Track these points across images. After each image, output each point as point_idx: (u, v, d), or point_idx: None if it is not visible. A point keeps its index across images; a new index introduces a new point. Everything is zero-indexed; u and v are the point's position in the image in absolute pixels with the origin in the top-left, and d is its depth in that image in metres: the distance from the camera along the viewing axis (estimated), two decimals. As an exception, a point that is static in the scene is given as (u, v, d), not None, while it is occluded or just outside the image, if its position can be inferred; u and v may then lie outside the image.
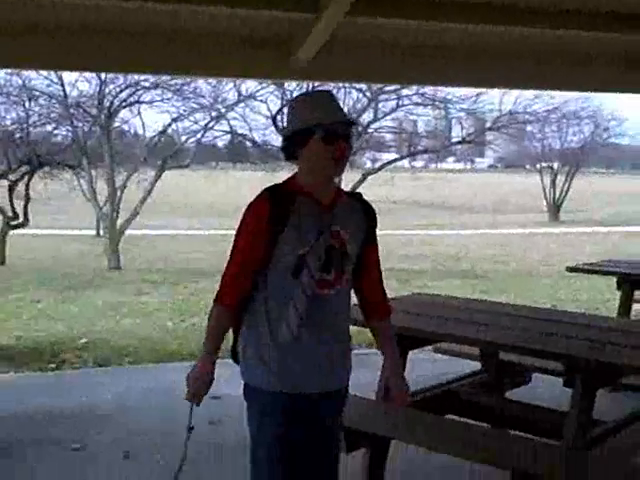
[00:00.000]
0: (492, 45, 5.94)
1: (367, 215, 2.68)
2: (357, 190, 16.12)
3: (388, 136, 19.56)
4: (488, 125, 19.12)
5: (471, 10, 5.34)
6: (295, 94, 14.91)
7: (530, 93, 17.25)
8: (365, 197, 2.72)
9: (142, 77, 13.76)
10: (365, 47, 5.61)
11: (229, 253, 2.57)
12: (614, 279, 6.31)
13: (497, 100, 18.46)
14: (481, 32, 5.67)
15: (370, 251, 2.70)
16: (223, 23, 5.12)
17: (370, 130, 16.97)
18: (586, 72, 6.44)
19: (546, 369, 4.37)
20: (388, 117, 17.30)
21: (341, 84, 14.43)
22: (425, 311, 4.22)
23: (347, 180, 16.34)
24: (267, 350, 2.51)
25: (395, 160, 18.40)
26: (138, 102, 16.01)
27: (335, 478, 2.69)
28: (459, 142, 19.69)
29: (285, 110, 2.73)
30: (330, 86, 15.09)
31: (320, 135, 2.49)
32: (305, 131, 2.50)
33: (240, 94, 15.03)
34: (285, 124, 2.68)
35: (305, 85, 14.58)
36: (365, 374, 3.70)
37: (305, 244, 2.48)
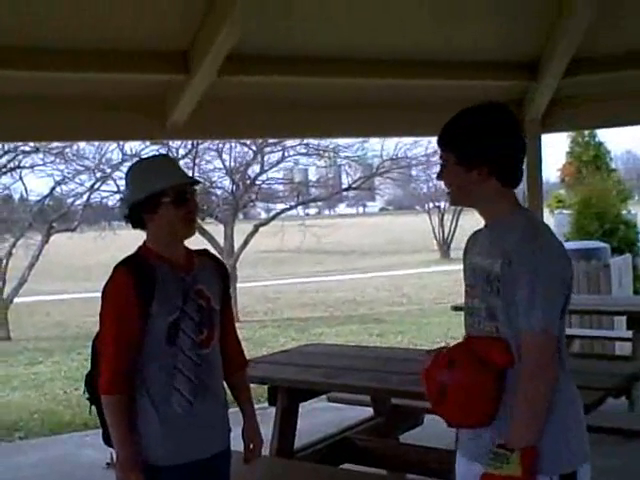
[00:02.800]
0: (369, 97, 6.14)
1: (220, 270, 2.70)
2: (250, 242, 16.20)
3: (279, 187, 19.72)
4: (374, 171, 19.58)
5: (337, 65, 5.53)
6: (180, 150, 14.91)
7: (410, 139, 17.84)
8: (212, 253, 2.76)
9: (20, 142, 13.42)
10: (241, 103, 5.69)
11: (102, 343, 2.49)
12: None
13: (379, 146, 18.99)
14: (355, 85, 5.87)
15: (227, 305, 2.71)
16: (94, 87, 5.10)
17: (258, 182, 17.09)
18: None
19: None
20: (277, 168, 17.49)
21: (226, 140, 14.52)
22: (315, 362, 4.25)
23: (239, 232, 16.36)
24: (154, 426, 2.46)
25: (285, 210, 18.55)
26: (19, 167, 15.58)
27: None
28: (346, 189, 20.06)
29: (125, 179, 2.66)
30: (214, 142, 15.21)
31: (170, 199, 2.47)
32: (153, 197, 2.47)
33: (124, 153, 14.89)
34: (127, 192, 2.62)
35: (189, 142, 14.62)
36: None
37: (173, 310, 2.47)
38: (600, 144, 11.59)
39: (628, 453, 4.84)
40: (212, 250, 13.31)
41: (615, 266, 8.36)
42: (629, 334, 6.45)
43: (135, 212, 2.52)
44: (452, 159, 2.19)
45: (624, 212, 10.71)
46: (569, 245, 10.48)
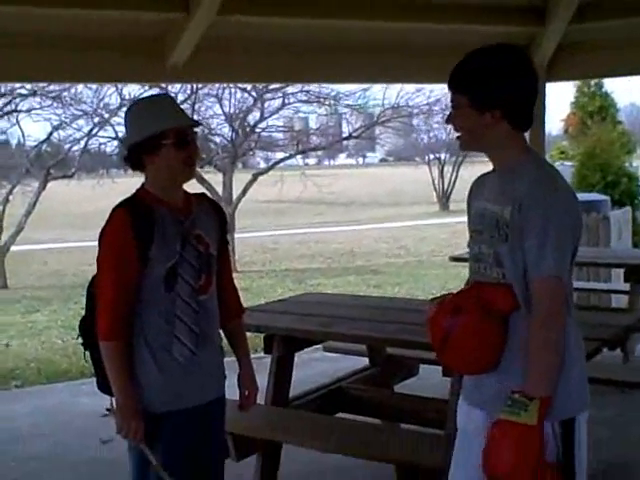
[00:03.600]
0: (373, 41, 6.00)
1: (219, 215, 2.65)
2: (248, 191, 16.10)
3: (279, 135, 19.54)
4: (375, 120, 19.39)
5: (345, 6, 5.39)
6: (179, 96, 14.71)
7: (412, 87, 17.60)
8: (210, 197, 2.71)
9: (17, 84, 13.23)
10: (241, 46, 5.56)
11: (100, 288, 2.43)
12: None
13: (381, 95, 18.76)
14: (360, 27, 5.73)
15: (224, 251, 2.67)
16: (92, 26, 4.97)
17: (258, 130, 16.91)
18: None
19: (433, 360, 4.44)
20: (277, 115, 17.30)
21: (225, 84, 14.33)
22: (312, 311, 4.22)
23: (238, 181, 16.26)
24: (153, 374, 2.43)
25: (285, 159, 18.41)
26: (15, 111, 15.37)
27: None
28: (346, 138, 19.83)
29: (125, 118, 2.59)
30: (214, 86, 15.01)
31: (171, 141, 2.40)
32: (154, 138, 2.40)
33: (123, 98, 14.67)
34: (126, 133, 2.56)
35: (189, 87, 14.42)
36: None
37: (172, 255, 2.42)
38: (607, 94, 11.42)
39: (621, 404, 4.86)
40: (210, 198, 13.16)
41: (615, 219, 8.32)
42: (626, 287, 6.44)
43: (134, 154, 2.46)
44: (464, 102, 2.14)
45: (627, 165, 10.61)
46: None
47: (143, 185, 2.51)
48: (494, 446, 2.04)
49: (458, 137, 2.22)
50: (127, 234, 2.37)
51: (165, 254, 2.41)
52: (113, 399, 2.46)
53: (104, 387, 2.50)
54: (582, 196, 9.04)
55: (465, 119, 2.15)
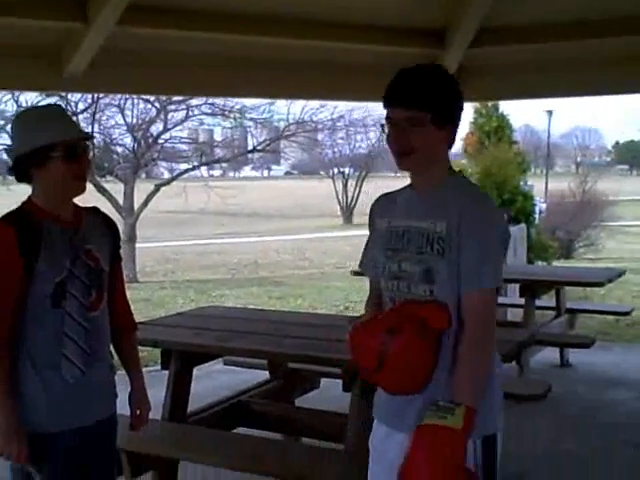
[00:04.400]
0: (278, 57, 6.03)
1: (111, 229, 2.57)
2: (150, 201, 15.86)
3: (183, 146, 19.33)
4: (280, 134, 19.47)
5: (248, 22, 5.40)
6: (79, 105, 14.37)
7: (316, 102, 17.77)
8: (101, 210, 2.62)
9: None
10: (143, 57, 5.49)
11: None
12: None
13: (285, 110, 18.89)
14: (264, 43, 5.74)
15: (117, 266, 2.60)
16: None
17: (161, 141, 16.71)
18: (368, 83, 6.70)
19: (333, 374, 4.47)
20: (181, 127, 17.14)
21: (127, 95, 14.09)
22: (210, 325, 4.18)
23: (141, 191, 15.99)
24: (38, 393, 2.34)
25: (188, 170, 18.22)
26: None
27: None
28: (251, 151, 19.83)
29: (11, 127, 2.49)
30: (116, 96, 14.74)
31: (60, 154, 2.32)
32: (42, 150, 2.31)
33: (19, 105, 14.22)
34: (12, 143, 2.44)
35: (90, 96, 14.11)
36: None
37: (60, 271, 2.34)
38: (503, 116, 11.81)
39: (518, 415, 5.00)
40: (111, 209, 12.87)
41: (511, 236, 8.58)
42: (521, 301, 6.68)
43: (21, 165, 2.36)
44: (426, 118, 2.09)
45: (522, 183, 11.00)
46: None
47: (30, 197, 2.42)
48: (416, 451, 1.99)
49: (404, 156, 2.15)
50: (10, 248, 2.27)
51: (53, 270, 2.33)
52: None
53: None
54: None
55: (425, 136, 2.11)
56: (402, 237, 2.17)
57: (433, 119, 2.10)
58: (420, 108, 2.10)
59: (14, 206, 2.42)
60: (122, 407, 2.65)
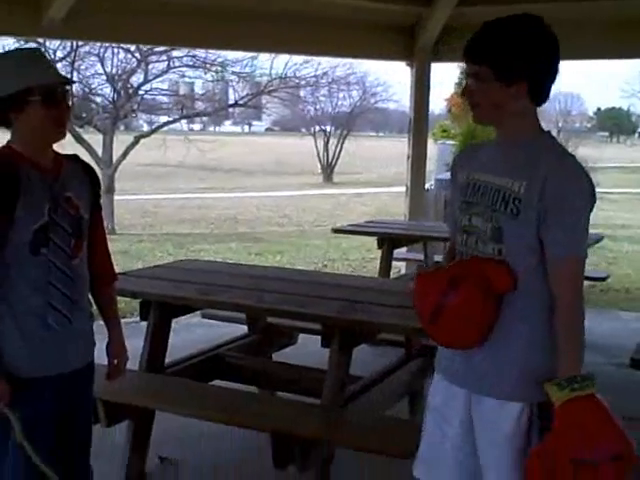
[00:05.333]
0: (261, 9, 5.94)
1: (91, 178, 2.53)
2: (129, 153, 15.70)
3: (163, 99, 19.10)
4: (262, 89, 19.28)
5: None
6: (58, 52, 14.11)
7: (300, 58, 17.60)
8: (81, 158, 2.57)
9: None
10: (124, 6, 5.40)
11: None
12: (379, 239, 6.59)
13: (269, 64, 18.68)
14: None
15: (97, 214, 2.56)
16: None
17: (141, 92, 16.48)
18: (353, 39, 6.64)
19: (311, 329, 4.48)
20: (162, 79, 16.92)
21: (107, 43, 13.84)
22: (190, 278, 4.16)
23: (120, 143, 15.82)
24: (15, 341, 2.32)
25: (169, 122, 18.03)
26: None
27: (87, 452, 2.59)
28: (232, 105, 19.63)
29: None
30: (96, 46, 14.49)
31: (38, 98, 2.26)
32: (19, 94, 2.25)
33: (-3, 51, 13.94)
34: None
35: (69, 44, 13.86)
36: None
37: (39, 217, 2.30)
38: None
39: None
40: (90, 160, 12.75)
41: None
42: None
43: None
44: (488, 73, 2.04)
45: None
46: (448, 175, 10.73)
47: (8, 142, 2.36)
48: (591, 422, 1.97)
49: (474, 109, 2.13)
50: None
51: (32, 216, 2.29)
52: None
53: None
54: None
55: (490, 92, 2.06)
56: (477, 191, 2.12)
57: (497, 75, 2.04)
58: (482, 64, 2.05)
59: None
60: (99, 356, 2.64)
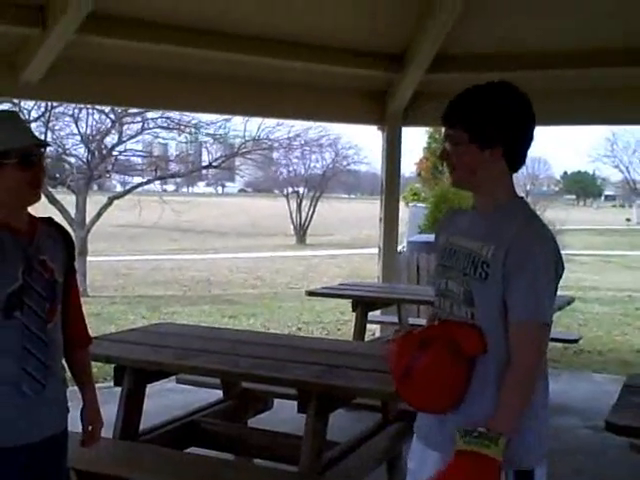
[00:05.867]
0: (236, 73, 6.03)
1: (66, 240, 2.51)
2: (103, 214, 15.66)
3: (137, 160, 19.17)
4: (235, 151, 19.44)
5: (207, 37, 5.40)
6: (32, 112, 14.15)
7: (272, 121, 17.81)
8: (56, 220, 2.55)
9: None
10: (100, 67, 5.46)
11: None
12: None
13: (242, 127, 18.94)
14: (222, 59, 5.74)
15: (71, 277, 2.54)
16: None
17: (115, 153, 16.54)
18: (325, 103, 6.76)
19: (287, 394, 4.44)
20: (136, 140, 17.00)
21: (81, 105, 13.94)
22: (165, 342, 4.12)
23: (93, 204, 15.78)
24: None
25: (143, 184, 18.06)
26: None
27: None
28: (206, 167, 19.78)
29: None
30: (70, 107, 14.56)
31: (14, 161, 2.25)
32: None
33: (-29, 112, 13.96)
34: None
35: (43, 104, 13.91)
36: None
37: (11, 281, 2.27)
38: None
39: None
40: (63, 221, 12.64)
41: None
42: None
43: None
44: (465, 137, 2.08)
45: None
46: (422, 238, 10.79)
47: None
48: (455, 474, 1.97)
49: (451, 172, 2.16)
50: None
51: (4, 279, 2.26)
52: None
53: None
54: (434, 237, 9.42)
55: (465, 155, 2.10)
56: (453, 255, 2.15)
57: (472, 139, 2.08)
58: (458, 127, 2.10)
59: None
60: (72, 424, 2.59)
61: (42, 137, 14.53)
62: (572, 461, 4.80)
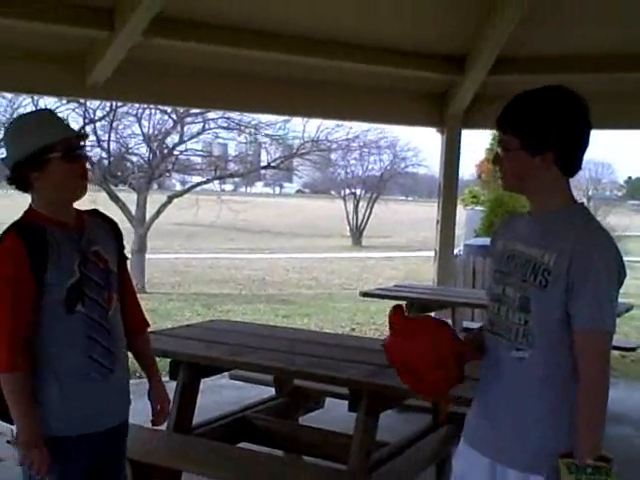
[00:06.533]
0: (296, 75, 6.09)
1: (114, 230, 2.57)
2: (162, 212, 15.91)
3: (197, 159, 19.44)
4: (294, 152, 19.56)
5: (270, 39, 5.46)
6: (97, 112, 14.47)
7: (331, 122, 17.86)
8: (102, 211, 2.61)
9: None
10: (165, 68, 5.57)
11: None
12: (407, 303, 6.59)
13: (301, 127, 19.04)
14: (283, 61, 5.80)
15: (123, 266, 2.60)
16: (14, 36, 4.89)
17: (176, 152, 16.80)
18: (385, 105, 6.77)
19: (339, 394, 4.47)
20: (195, 140, 17.25)
21: (145, 105, 14.20)
22: (220, 339, 4.19)
23: (153, 202, 16.06)
24: (54, 400, 2.34)
25: (202, 183, 18.31)
26: None
27: None
28: (264, 167, 19.95)
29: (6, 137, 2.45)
30: (134, 107, 14.85)
31: (59, 154, 2.30)
32: (39, 153, 2.28)
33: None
34: (7, 152, 2.38)
35: (108, 106, 14.21)
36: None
37: (69, 275, 2.33)
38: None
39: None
40: (123, 218, 12.85)
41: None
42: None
43: (19, 172, 2.33)
44: (516, 143, 2.07)
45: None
46: (478, 241, 10.70)
47: (30, 206, 2.39)
48: None
49: (502, 177, 2.16)
50: (21, 258, 2.25)
51: (62, 275, 2.32)
52: (13, 428, 2.34)
53: (5, 417, 2.37)
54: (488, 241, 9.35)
55: (515, 161, 2.09)
56: (511, 261, 2.14)
57: (523, 145, 2.07)
58: (509, 133, 2.10)
59: (14, 212, 2.41)
60: (132, 416, 2.66)
61: (106, 137, 14.88)
62: (626, 471, 4.71)
